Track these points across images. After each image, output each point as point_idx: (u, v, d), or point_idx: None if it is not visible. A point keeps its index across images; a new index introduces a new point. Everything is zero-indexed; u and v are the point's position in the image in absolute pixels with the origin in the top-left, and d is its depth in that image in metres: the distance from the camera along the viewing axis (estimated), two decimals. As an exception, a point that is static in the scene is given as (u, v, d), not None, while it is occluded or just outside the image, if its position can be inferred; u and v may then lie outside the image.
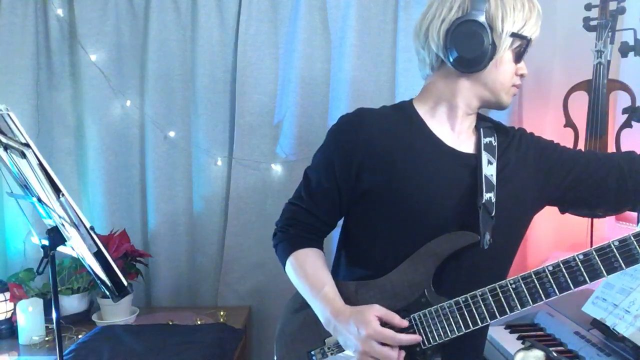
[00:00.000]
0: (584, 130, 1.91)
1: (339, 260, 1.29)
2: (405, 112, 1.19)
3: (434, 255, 1.10)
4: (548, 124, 2.13)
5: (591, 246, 1.00)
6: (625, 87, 1.86)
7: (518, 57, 1.13)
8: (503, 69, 1.12)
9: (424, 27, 1.15)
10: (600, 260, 0.98)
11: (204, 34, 2.23)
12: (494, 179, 1.12)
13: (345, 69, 2.20)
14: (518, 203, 1.16)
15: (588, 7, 1.85)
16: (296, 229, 1.24)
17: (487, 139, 1.18)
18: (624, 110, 1.79)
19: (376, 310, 1.08)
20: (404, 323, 1.08)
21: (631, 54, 1.76)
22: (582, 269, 0.99)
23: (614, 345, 1.37)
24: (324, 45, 2.25)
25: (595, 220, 1.98)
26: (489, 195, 1.10)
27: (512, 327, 1.68)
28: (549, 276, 1.01)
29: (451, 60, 1.11)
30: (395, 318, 1.08)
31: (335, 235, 1.31)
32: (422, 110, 1.19)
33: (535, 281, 1.02)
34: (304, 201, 1.22)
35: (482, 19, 1.07)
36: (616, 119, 1.96)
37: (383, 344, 1.05)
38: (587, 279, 0.99)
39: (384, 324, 1.08)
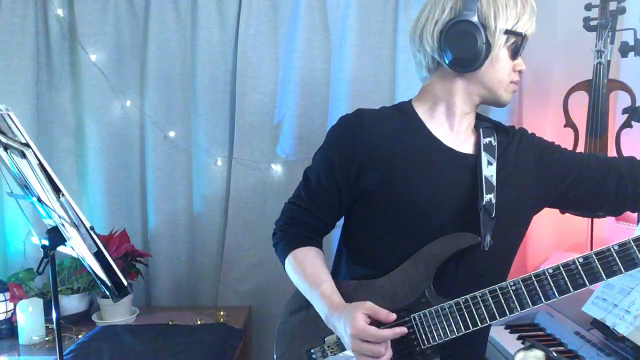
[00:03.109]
0: (584, 130, 1.91)
1: (339, 260, 1.29)
2: (404, 113, 1.19)
3: (434, 256, 1.10)
4: (548, 124, 2.13)
5: (591, 246, 1.01)
6: (625, 87, 1.86)
7: (514, 53, 1.13)
8: (500, 67, 1.12)
9: (418, 30, 1.15)
10: (600, 264, 0.99)
11: (204, 34, 2.23)
12: (493, 180, 1.12)
13: (345, 69, 2.20)
14: (518, 203, 1.16)
15: (588, 7, 1.85)
16: (296, 228, 1.24)
17: (487, 139, 1.17)
18: (624, 110, 1.79)
19: (364, 308, 1.07)
20: (391, 317, 1.08)
21: (631, 54, 1.76)
22: (582, 272, 1.00)
23: (614, 345, 1.37)
24: (324, 45, 2.25)
25: (595, 220, 1.97)
26: (489, 197, 1.10)
27: (512, 327, 1.68)
28: (549, 279, 1.01)
29: (447, 61, 1.11)
30: (381, 313, 1.07)
31: (335, 235, 1.32)
32: (420, 111, 1.19)
33: (535, 283, 1.02)
34: (303, 200, 1.22)
35: (474, 18, 1.08)
36: (616, 119, 1.96)
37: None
38: (586, 282, 1.00)
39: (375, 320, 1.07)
